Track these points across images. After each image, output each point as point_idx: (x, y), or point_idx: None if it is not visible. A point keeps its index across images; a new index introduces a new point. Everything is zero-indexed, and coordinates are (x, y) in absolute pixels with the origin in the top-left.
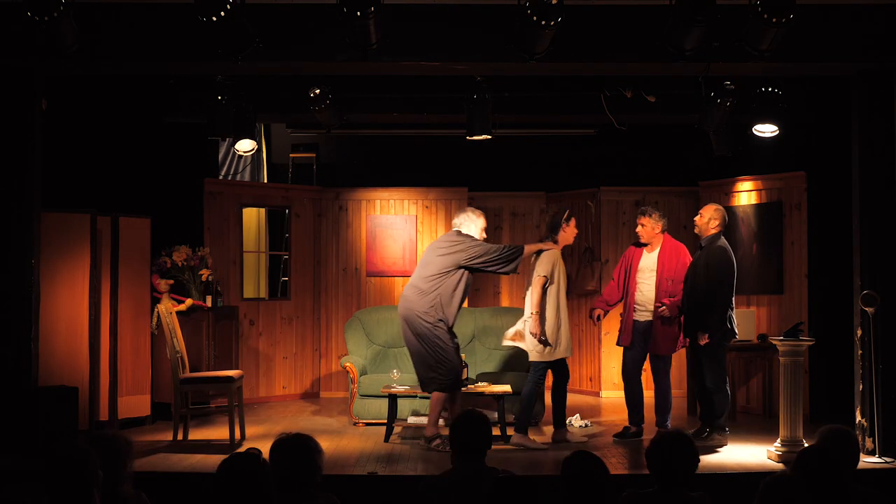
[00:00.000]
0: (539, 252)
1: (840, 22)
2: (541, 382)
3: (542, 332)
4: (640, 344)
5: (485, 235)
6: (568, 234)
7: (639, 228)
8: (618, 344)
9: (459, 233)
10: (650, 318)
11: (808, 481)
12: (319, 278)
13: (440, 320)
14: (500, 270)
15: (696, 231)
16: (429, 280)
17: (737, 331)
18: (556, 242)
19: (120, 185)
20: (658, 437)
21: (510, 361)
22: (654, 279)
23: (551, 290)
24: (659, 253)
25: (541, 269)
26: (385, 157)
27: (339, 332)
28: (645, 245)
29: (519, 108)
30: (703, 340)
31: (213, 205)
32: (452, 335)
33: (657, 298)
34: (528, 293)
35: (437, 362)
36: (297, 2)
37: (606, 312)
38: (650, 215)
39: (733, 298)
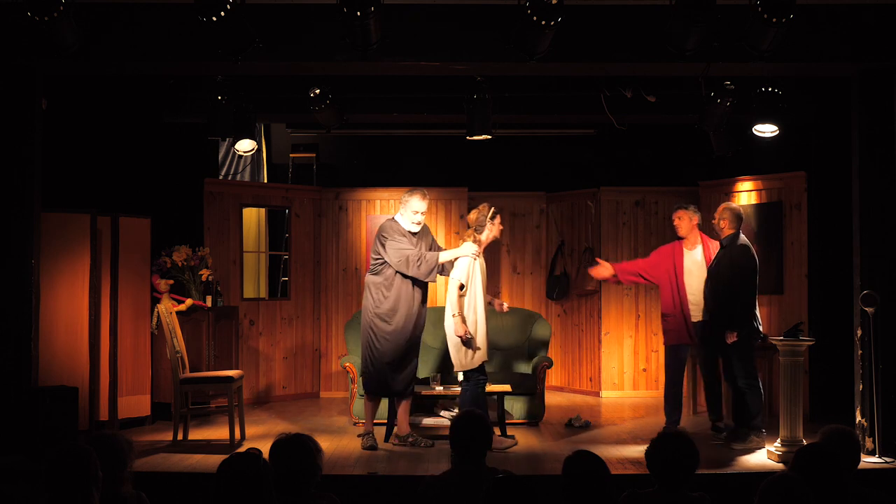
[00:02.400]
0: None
1: (840, 22)
2: (480, 384)
3: (468, 332)
4: (708, 341)
5: (419, 220)
6: (494, 231)
7: (676, 222)
8: (670, 343)
9: (393, 222)
10: (702, 319)
11: (807, 481)
12: (319, 278)
13: (376, 316)
14: (417, 277)
15: (717, 231)
16: (369, 275)
17: (761, 329)
18: (480, 241)
19: (120, 185)
20: (658, 437)
21: (510, 361)
22: (702, 277)
23: (469, 293)
24: (703, 250)
25: (455, 272)
26: (385, 157)
27: (339, 332)
28: (680, 239)
29: (519, 108)
30: (732, 338)
31: (213, 205)
32: (409, 352)
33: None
34: (447, 296)
35: (363, 362)
36: (297, 2)
37: (608, 280)
38: (686, 208)
39: (757, 296)
